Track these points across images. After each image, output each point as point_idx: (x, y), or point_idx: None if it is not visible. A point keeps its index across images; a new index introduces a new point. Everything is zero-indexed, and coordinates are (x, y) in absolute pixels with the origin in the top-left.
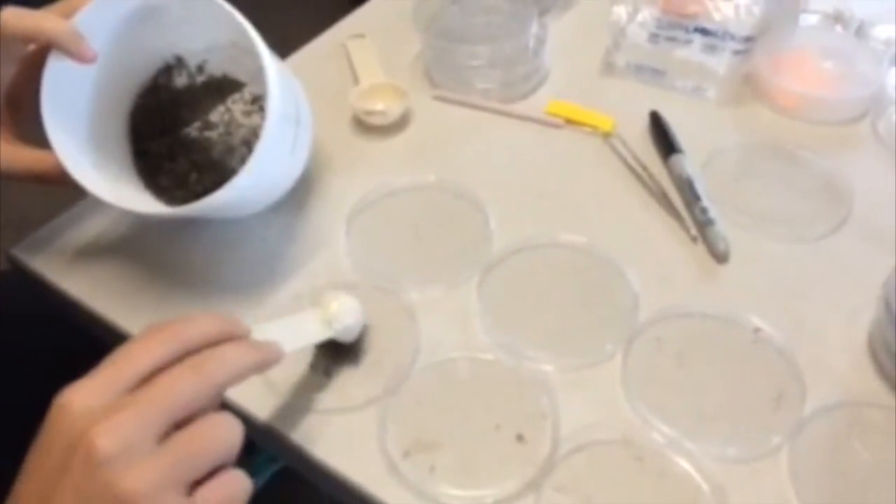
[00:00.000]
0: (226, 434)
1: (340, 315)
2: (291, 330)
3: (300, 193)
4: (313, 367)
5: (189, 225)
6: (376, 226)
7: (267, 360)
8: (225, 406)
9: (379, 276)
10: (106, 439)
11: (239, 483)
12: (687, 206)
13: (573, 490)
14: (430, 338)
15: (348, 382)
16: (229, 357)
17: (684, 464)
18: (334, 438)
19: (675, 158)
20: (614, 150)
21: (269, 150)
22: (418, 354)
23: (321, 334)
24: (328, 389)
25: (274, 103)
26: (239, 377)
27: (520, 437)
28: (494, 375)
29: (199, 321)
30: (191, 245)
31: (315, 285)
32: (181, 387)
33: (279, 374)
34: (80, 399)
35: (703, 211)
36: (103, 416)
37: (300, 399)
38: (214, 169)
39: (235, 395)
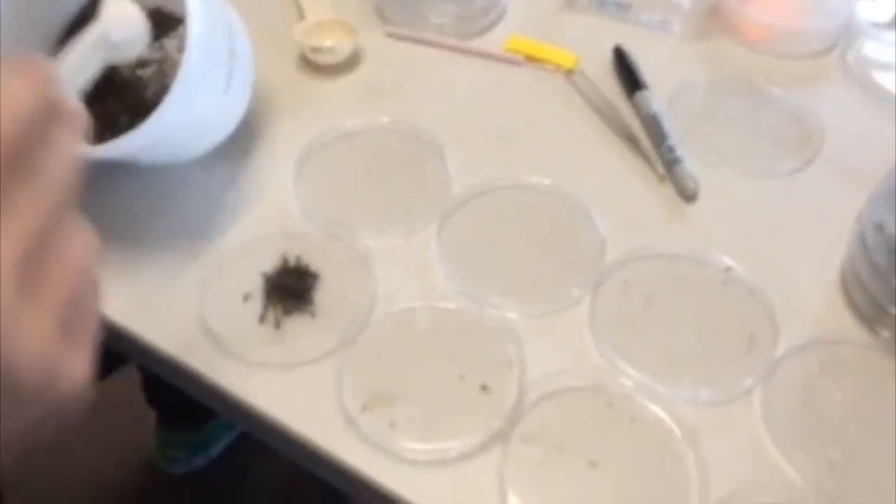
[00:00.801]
0: (89, 254)
1: (117, 24)
2: (75, 61)
3: (243, 138)
4: (263, 319)
5: (125, 172)
6: (327, 171)
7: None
8: (172, 366)
9: (331, 223)
10: None
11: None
12: (654, 145)
13: (542, 439)
14: (387, 287)
15: (301, 335)
16: (68, 159)
17: (656, 409)
18: (287, 395)
19: (640, 95)
20: (577, 87)
21: (196, 81)
22: (375, 304)
23: (99, 57)
24: (280, 343)
25: (195, 27)
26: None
27: (484, 388)
28: (456, 324)
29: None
30: (127, 193)
31: (262, 234)
32: (36, 222)
33: (227, 329)
34: None
35: (671, 149)
36: None
37: (250, 355)
38: (147, 111)
39: (182, 353)
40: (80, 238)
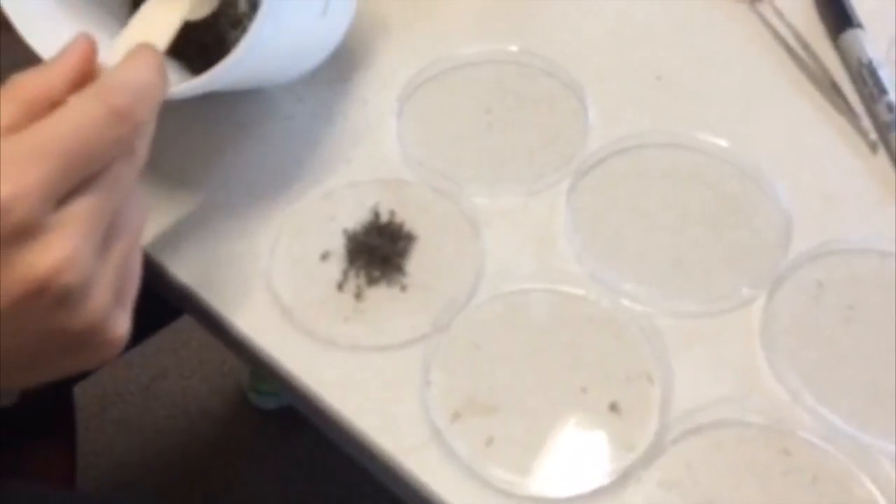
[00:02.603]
0: (143, 222)
1: None
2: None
3: (341, 61)
4: (342, 286)
5: (196, 97)
6: (437, 108)
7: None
8: (224, 330)
9: (436, 174)
10: (71, 276)
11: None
12: (865, 102)
13: (687, 489)
14: (497, 259)
15: (386, 311)
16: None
17: (853, 465)
18: (359, 386)
19: (850, 35)
20: (765, 21)
21: (287, 2)
22: (480, 280)
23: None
24: (358, 319)
25: None
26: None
27: (614, 407)
28: (583, 318)
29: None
30: (197, 122)
31: (353, 180)
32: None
33: (296, 293)
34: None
35: (889, 108)
36: (60, 243)
37: (319, 329)
38: (219, 41)
39: (235, 315)
40: (137, 213)
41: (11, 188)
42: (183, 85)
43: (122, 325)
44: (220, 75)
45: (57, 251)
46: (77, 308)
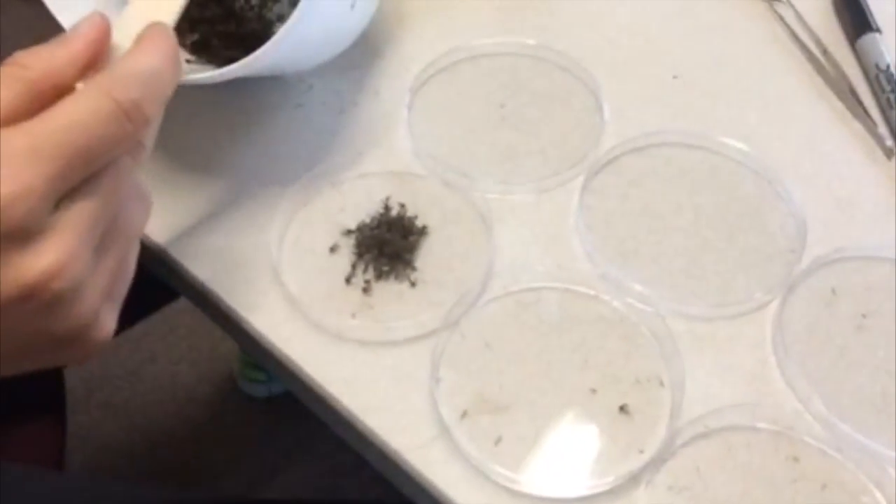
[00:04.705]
0: (145, 220)
1: None
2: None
3: (353, 49)
4: (350, 281)
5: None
6: (449, 100)
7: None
8: (228, 321)
9: (447, 167)
10: (63, 282)
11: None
12: (882, 107)
13: (696, 493)
14: (509, 256)
15: (394, 306)
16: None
17: (860, 473)
18: (367, 381)
19: (868, 40)
20: (783, 21)
21: None
22: (491, 278)
23: None
24: (366, 314)
25: None
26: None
27: (624, 409)
28: (595, 318)
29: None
30: (205, 108)
31: (363, 172)
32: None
33: (304, 286)
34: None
35: None
36: (55, 247)
37: (326, 322)
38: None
39: (246, 311)
40: (138, 213)
41: (11, 187)
42: (214, 72)
43: (108, 324)
44: (255, 62)
45: (51, 256)
46: (66, 312)
